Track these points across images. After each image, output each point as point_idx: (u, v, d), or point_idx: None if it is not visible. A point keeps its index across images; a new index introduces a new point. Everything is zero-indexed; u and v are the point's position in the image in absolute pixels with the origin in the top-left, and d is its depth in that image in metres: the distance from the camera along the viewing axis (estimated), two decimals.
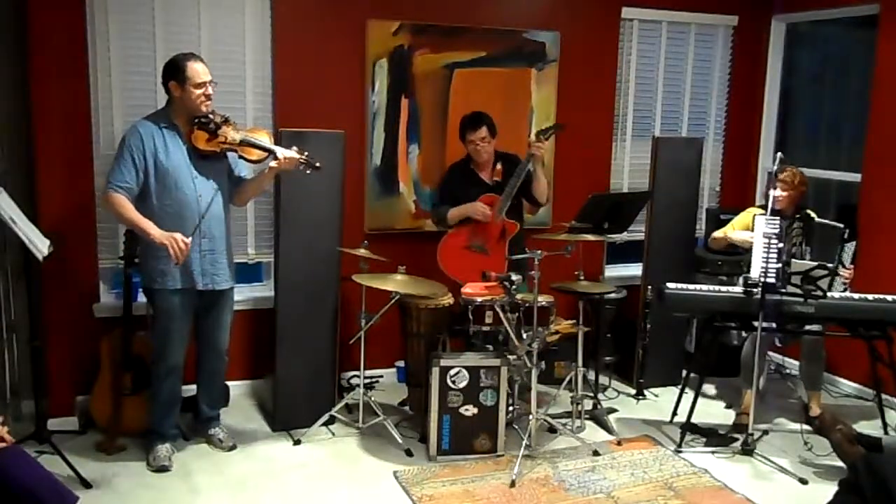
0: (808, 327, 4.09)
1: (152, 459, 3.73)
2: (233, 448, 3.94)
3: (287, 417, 4.15)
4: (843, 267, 4.10)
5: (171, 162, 3.56)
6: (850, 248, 4.16)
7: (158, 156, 3.54)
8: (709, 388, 4.86)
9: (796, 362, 5.06)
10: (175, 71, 3.55)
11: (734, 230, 4.44)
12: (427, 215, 4.80)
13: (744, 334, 4.43)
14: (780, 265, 3.83)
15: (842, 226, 4.18)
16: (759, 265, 3.86)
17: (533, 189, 4.38)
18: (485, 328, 4.05)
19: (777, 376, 5.05)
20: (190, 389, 3.99)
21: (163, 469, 3.69)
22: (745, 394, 4.29)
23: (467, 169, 4.46)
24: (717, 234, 4.52)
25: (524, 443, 3.83)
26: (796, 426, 4.17)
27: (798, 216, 4.25)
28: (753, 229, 4.21)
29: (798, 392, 4.68)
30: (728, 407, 4.65)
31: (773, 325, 3.96)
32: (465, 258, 4.35)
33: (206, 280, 3.70)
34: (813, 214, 4.30)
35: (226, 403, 4.30)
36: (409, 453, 3.94)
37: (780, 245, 3.88)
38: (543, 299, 4.03)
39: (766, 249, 3.81)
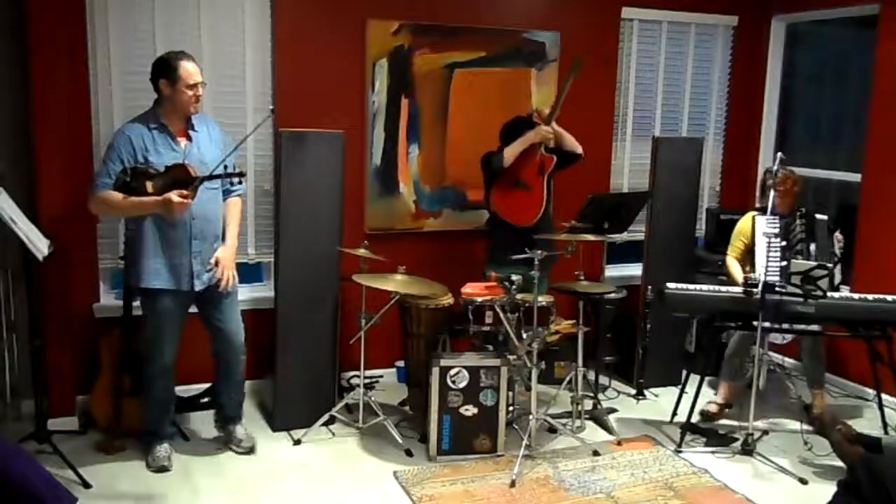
0: (804, 327, 4.10)
1: (151, 460, 3.72)
2: (251, 451, 3.90)
3: (287, 417, 4.15)
4: (835, 255, 4.22)
5: (162, 163, 3.47)
6: (836, 239, 4.29)
7: (149, 157, 3.47)
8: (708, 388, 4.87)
9: (796, 362, 5.06)
10: (166, 69, 3.48)
11: (731, 258, 4.50)
12: (427, 215, 4.80)
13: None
14: (783, 263, 3.87)
15: (825, 217, 4.34)
16: (762, 264, 3.88)
17: (564, 146, 4.42)
18: (485, 328, 4.05)
19: (777, 376, 5.04)
20: (191, 389, 3.99)
21: (162, 469, 3.68)
22: (721, 386, 4.45)
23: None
24: (728, 262, 4.54)
25: (524, 443, 3.83)
26: (796, 426, 4.17)
27: (800, 214, 4.31)
28: (754, 232, 4.28)
29: (797, 391, 4.67)
30: (728, 407, 4.65)
31: (773, 324, 3.97)
32: (512, 198, 4.37)
33: (198, 282, 3.64)
34: (818, 216, 4.36)
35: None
36: (409, 453, 3.94)
37: (783, 243, 3.93)
38: (543, 299, 4.03)
39: (768, 249, 3.84)
